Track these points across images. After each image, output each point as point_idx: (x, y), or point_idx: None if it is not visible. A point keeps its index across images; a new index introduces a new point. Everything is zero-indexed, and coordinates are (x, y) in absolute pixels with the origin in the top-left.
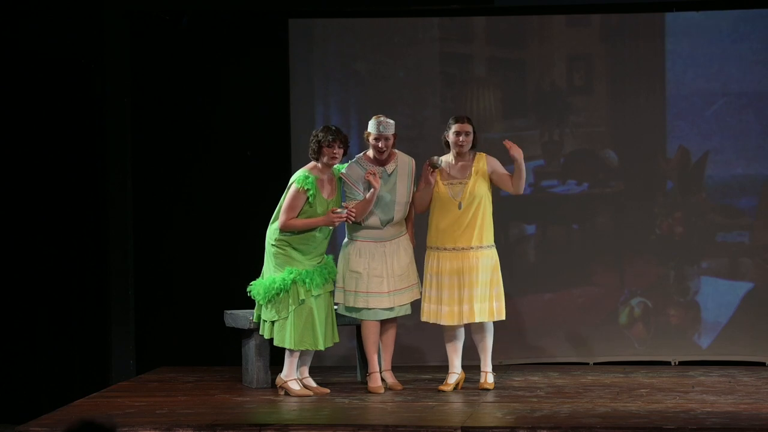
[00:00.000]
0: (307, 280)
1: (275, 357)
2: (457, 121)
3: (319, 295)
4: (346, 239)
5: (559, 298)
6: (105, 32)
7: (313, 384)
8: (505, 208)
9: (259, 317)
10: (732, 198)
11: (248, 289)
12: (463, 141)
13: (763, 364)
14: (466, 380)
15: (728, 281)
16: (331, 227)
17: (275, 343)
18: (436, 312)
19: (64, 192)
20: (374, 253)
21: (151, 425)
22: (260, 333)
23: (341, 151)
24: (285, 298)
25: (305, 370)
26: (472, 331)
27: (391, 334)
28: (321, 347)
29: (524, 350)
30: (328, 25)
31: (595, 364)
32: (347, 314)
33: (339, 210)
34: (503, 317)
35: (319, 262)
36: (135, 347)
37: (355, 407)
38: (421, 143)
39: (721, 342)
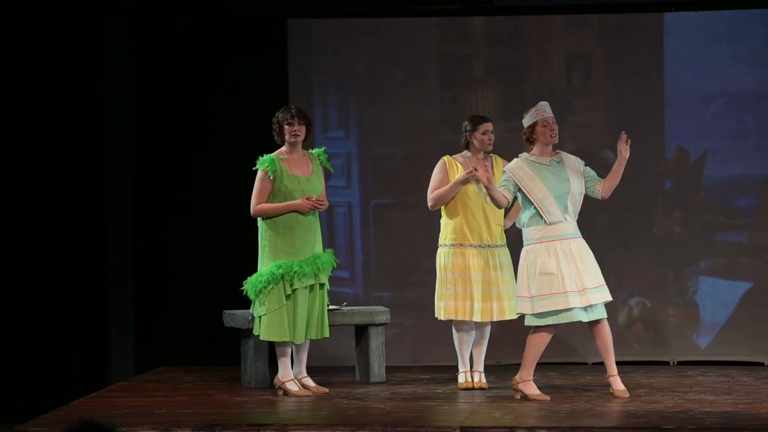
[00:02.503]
0: (296, 269)
1: (274, 357)
2: (484, 121)
3: (306, 287)
4: (526, 247)
5: None
6: (104, 32)
7: (312, 384)
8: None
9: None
10: (730, 198)
11: (243, 287)
12: (491, 139)
13: (761, 364)
14: (455, 381)
15: (727, 281)
16: (311, 211)
17: (262, 337)
18: (466, 309)
19: (64, 192)
20: (563, 252)
21: (149, 425)
22: (254, 332)
23: (302, 128)
24: (274, 291)
25: (303, 370)
26: (480, 331)
27: (606, 335)
28: (298, 340)
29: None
30: (326, 25)
31: (593, 364)
32: (539, 323)
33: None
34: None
35: (311, 255)
36: (134, 347)
37: (353, 407)
38: (420, 144)
39: (720, 342)
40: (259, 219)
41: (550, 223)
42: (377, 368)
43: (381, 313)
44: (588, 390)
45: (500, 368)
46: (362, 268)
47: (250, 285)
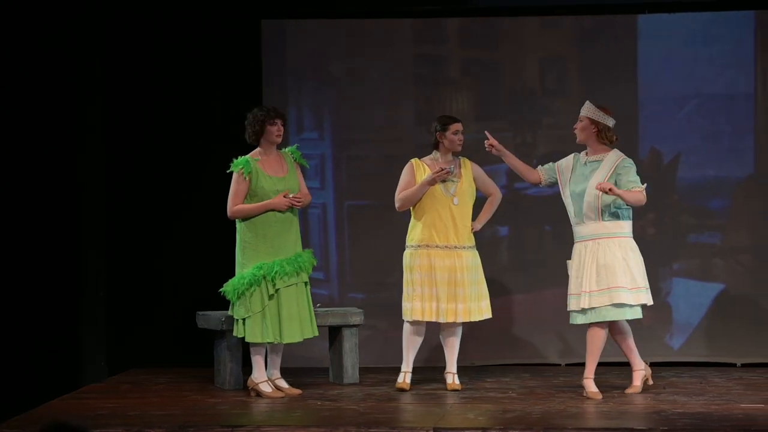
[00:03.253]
0: (277, 268)
1: (248, 358)
2: (454, 121)
3: (288, 286)
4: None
5: (531, 299)
6: (79, 33)
7: (285, 385)
8: (477, 210)
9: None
10: (704, 199)
11: (221, 290)
12: (462, 140)
13: (733, 365)
14: (433, 381)
15: (700, 282)
16: (289, 210)
17: (246, 339)
18: (432, 310)
19: (36, 190)
20: (584, 253)
21: (122, 426)
22: (234, 334)
23: (283, 128)
24: (257, 293)
25: (277, 371)
26: (445, 331)
27: (592, 337)
28: (287, 340)
29: (496, 351)
30: (301, 26)
31: (567, 365)
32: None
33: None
34: (491, 315)
35: (291, 254)
36: (107, 349)
37: (327, 408)
38: (395, 145)
39: (693, 343)
40: (237, 221)
41: (573, 225)
42: (351, 369)
43: (355, 315)
44: (561, 391)
45: (473, 369)
46: (336, 270)
47: (231, 287)
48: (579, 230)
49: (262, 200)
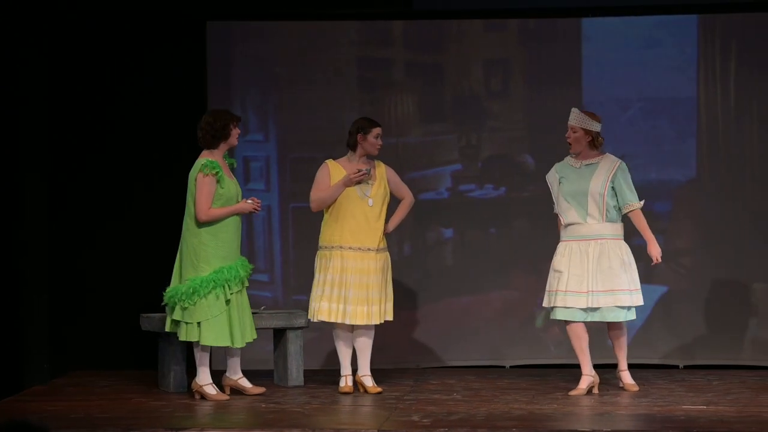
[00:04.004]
0: (235, 272)
1: (192, 360)
2: (376, 125)
3: (240, 290)
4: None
5: (476, 301)
6: (22, 32)
7: (249, 384)
8: (422, 212)
9: (174, 322)
10: (646, 202)
11: (166, 297)
12: (380, 144)
13: (676, 366)
14: (378, 383)
15: (642, 285)
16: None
17: (204, 342)
18: (339, 311)
19: None
20: (579, 252)
21: (66, 430)
22: (181, 338)
23: None
24: (221, 297)
25: (238, 370)
26: (358, 334)
27: (615, 336)
28: (239, 344)
29: (441, 353)
30: (246, 28)
31: (511, 367)
32: (552, 316)
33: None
34: (392, 318)
35: (238, 258)
36: (50, 351)
37: (271, 411)
38: (341, 147)
39: (636, 345)
40: (192, 224)
41: (567, 224)
42: (295, 372)
43: (299, 317)
44: (506, 393)
45: (418, 372)
46: (281, 272)
47: (190, 290)
48: (578, 229)
49: (225, 204)
